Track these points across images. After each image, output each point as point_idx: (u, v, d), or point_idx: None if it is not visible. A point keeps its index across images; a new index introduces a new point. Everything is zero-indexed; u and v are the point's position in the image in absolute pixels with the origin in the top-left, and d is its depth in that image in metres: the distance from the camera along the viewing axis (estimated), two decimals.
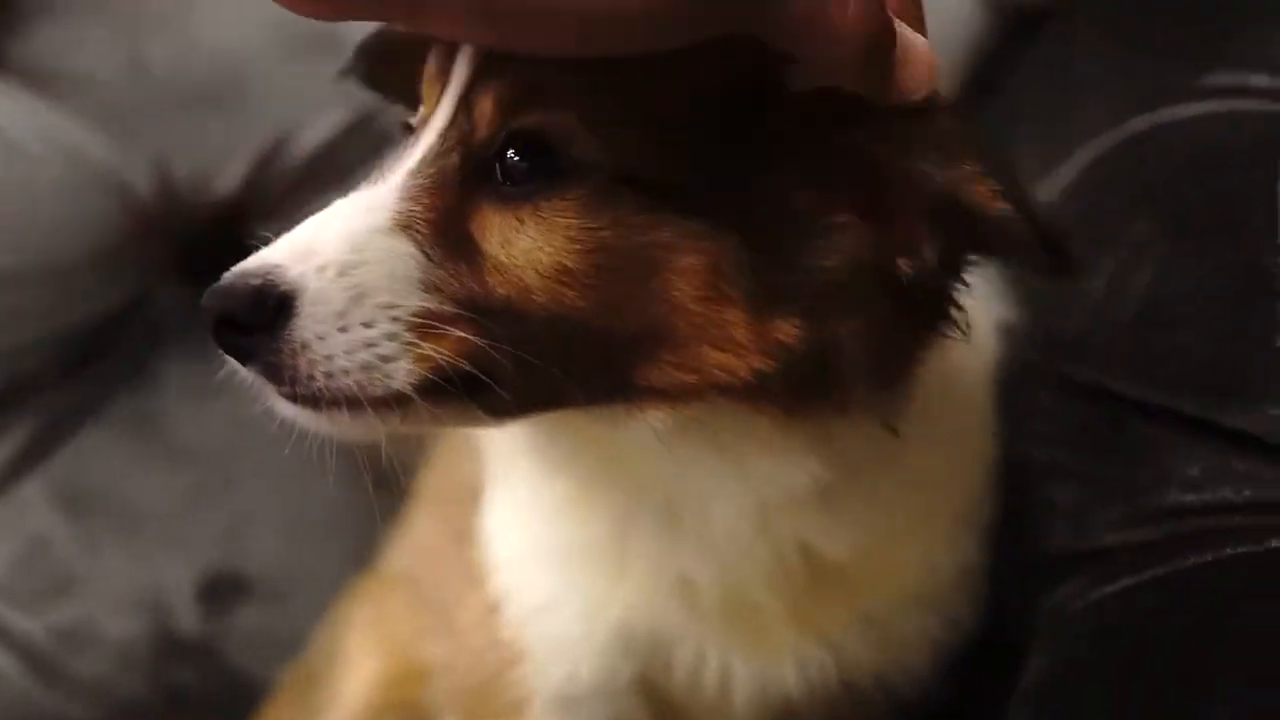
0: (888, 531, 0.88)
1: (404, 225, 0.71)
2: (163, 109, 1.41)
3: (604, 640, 0.92)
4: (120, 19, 1.42)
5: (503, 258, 0.71)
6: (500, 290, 0.71)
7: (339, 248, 0.70)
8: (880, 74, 0.69)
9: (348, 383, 0.69)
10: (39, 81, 1.39)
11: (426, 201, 0.72)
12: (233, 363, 0.72)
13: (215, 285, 0.70)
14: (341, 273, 0.69)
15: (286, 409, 0.73)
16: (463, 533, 0.98)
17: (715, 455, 0.79)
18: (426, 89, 0.77)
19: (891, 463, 0.84)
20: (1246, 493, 0.85)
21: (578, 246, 0.71)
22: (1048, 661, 0.90)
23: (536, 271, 0.71)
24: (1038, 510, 0.97)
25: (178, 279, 1.43)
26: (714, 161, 0.72)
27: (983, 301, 0.91)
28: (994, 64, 1.40)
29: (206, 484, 1.43)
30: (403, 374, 0.70)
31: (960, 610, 0.96)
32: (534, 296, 0.71)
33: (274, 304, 0.69)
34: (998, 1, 1.43)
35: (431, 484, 1.11)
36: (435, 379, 0.70)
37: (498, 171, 0.73)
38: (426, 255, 0.71)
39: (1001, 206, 0.70)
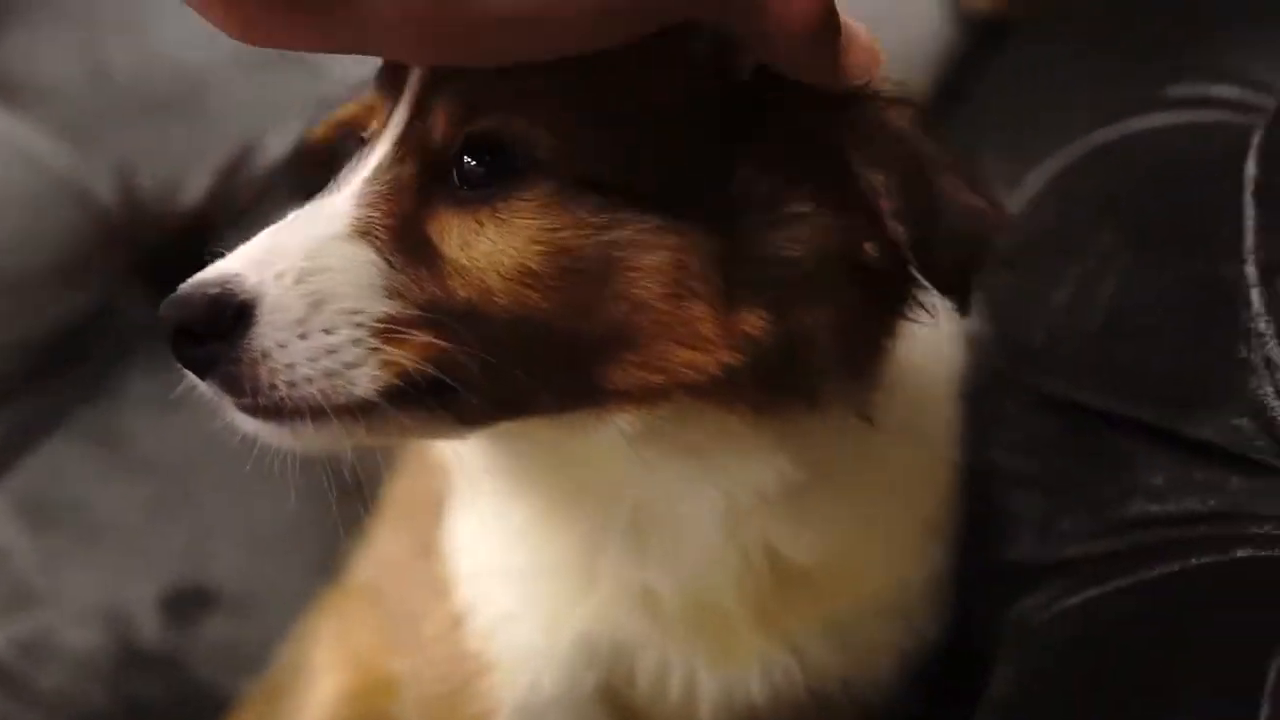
0: (853, 536, 0.87)
1: (362, 231, 0.71)
2: (126, 118, 1.40)
3: (566, 651, 0.92)
4: (82, 28, 1.42)
5: (464, 261, 0.71)
6: (462, 293, 0.70)
7: (297, 255, 0.69)
8: (828, 59, 0.70)
9: (311, 391, 0.68)
10: (0, 90, 1.39)
11: (384, 207, 0.72)
12: (191, 377, 0.71)
13: (172, 295, 0.69)
14: (300, 280, 0.69)
15: (247, 423, 0.72)
16: (427, 546, 0.98)
17: (685, 456, 0.78)
18: (380, 96, 0.77)
19: (858, 465, 0.84)
20: (1211, 502, 0.86)
21: (538, 248, 0.70)
22: (1013, 671, 0.91)
23: (498, 274, 0.70)
24: (1004, 520, 0.97)
25: (142, 289, 1.43)
26: (673, 156, 0.72)
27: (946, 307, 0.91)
28: (962, 73, 1.41)
29: (170, 496, 1.43)
30: (367, 380, 0.69)
31: (926, 618, 0.96)
32: (497, 299, 0.70)
33: (232, 312, 0.68)
34: (965, 11, 1.44)
35: (396, 497, 1.10)
36: (401, 385, 0.69)
37: (455, 176, 0.73)
38: (387, 261, 0.70)
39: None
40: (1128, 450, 0.91)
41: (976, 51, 1.43)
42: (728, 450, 0.78)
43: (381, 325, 0.69)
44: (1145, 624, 0.84)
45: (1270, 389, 0.84)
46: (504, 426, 0.75)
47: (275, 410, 0.70)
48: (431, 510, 0.98)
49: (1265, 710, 0.72)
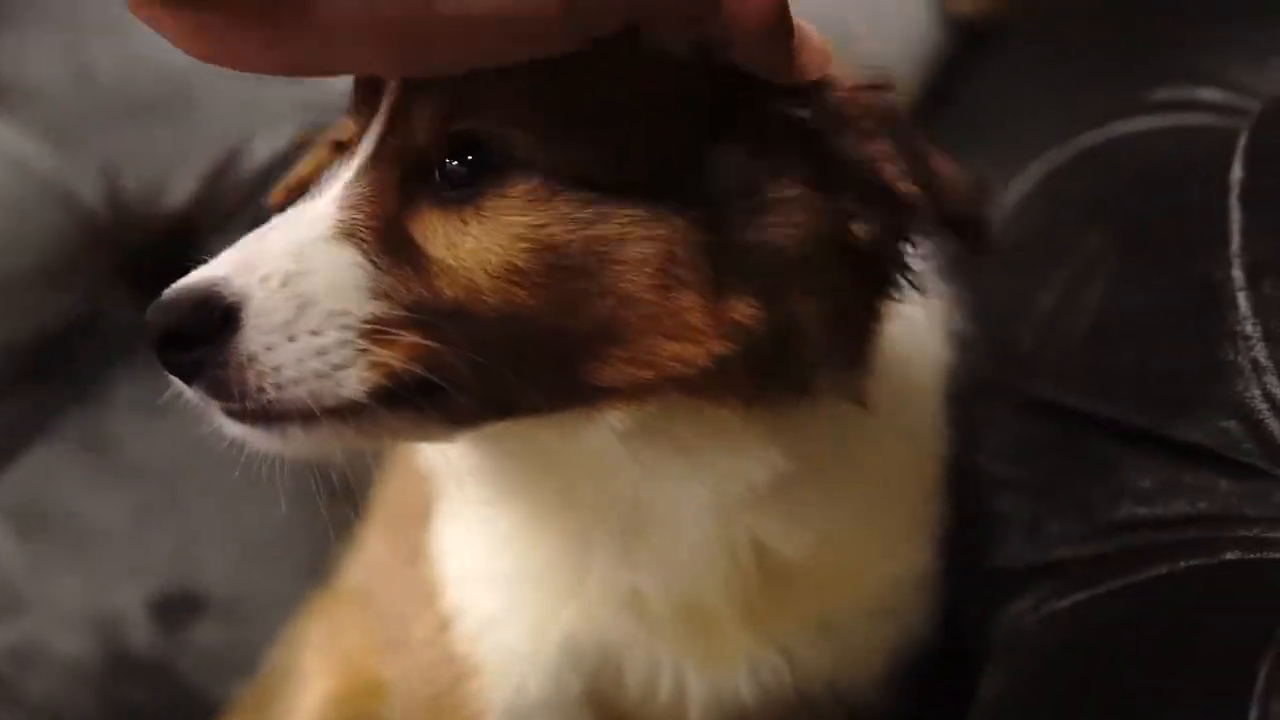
0: (842, 532, 0.87)
1: (347, 233, 0.70)
2: (110, 120, 1.40)
3: (553, 654, 0.92)
4: (67, 30, 1.41)
5: (450, 260, 0.71)
6: (449, 293, 0.70)
7: (282, 258, 0.69)
8: (782, 56, 0.71)
9: (299, 393, 0.68)
10: None
11: (368, 209, 0.71)
12: (178, 383, 0.71)
13: (157, 301, 0.69)
14: (285, 283, 0.68)
15: (234, 428, 0.71)
16: (415, 551, 0.98)
17: (677, 452, 0.78)
18: (360, 99, 0.77)
19: (846, 458, 0.84)
20: (1200, 505, 0.86)
21: (524, 244, 0.70)
22: (1003, 675, 0.91)
23: (486, 272, 0.70)
24: (992, 523, 0.97)
25: (127, 293, 1.42)
26: (656, 147, 0.72)
27: (933, 305, 0.91)
28: (948, 76, 1.41)
29: (158, 501, 1.42)
30: (355, 381, 0.68)
31: (913, 618, 0.96)
32: (485, 297, 0.70)
33: (218, 316, 0.68)
34: (951, 15, 1.44)
35: (384, 501, 1.10)
36: (389, 386, 0.69)
37: (437, 176, 0.72)
38: (372, 262, 0.70)
39: (908, 187, 0.71)
40: (1116, 453, 0.91)
41: (962, 55, 1.43)
42: (719, 444, 0.78)
43: (369, 326, 0.69)
44: (1134, 627, 0.85)
45: (1257, 391, 0.84)
46: (493, 428, 0.75)
47: (263, 414, 0.70)
48: (420, 515, 0.97)
49: (1254, 713, 0.72)
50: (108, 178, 1.39)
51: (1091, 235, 1.01)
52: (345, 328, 0.68)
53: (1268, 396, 0.84)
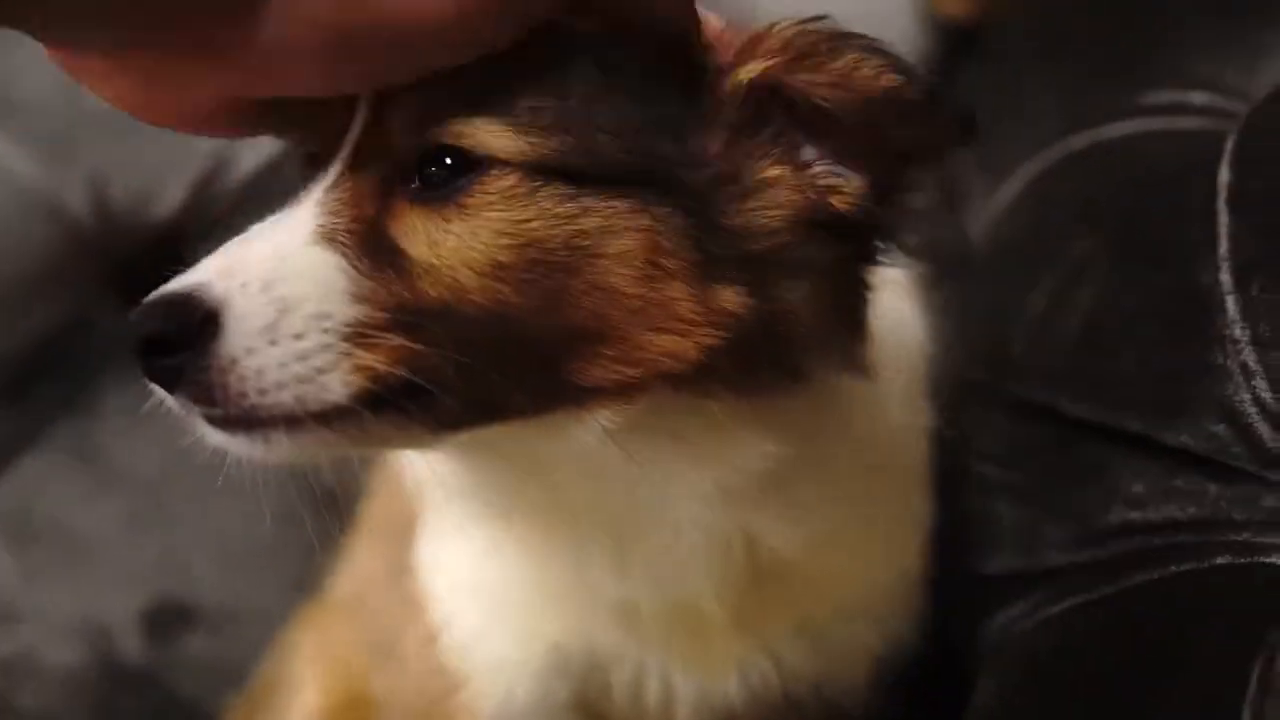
0: (831, 528, 0.86)
1: (327, 237, 0.70)
2: (98, 131, 1.39)
3: (539, 662, 0.92)
4: None
5: (432, 260, 0.70)
6: (433, 293, 0.70)
7: (262, 263, 0.69)
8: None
9: (282, 397, 0.68)
10: None
11: (347, 213, 0.71)
12: (160, 391, 0.70)
13: (139, 307, 0.68)
14: (265, 287, 0.68)
15: (216, 436, 0.71)
16: (403, 564, 0.98)
17: (669, 446, 0.77)
18: (337, 104, 0.76)
19: (835, 447, 0.83)
20: (1191, 510, 0.86)
21: (506, 240, 0.70)
22: (996, 682, 0.91)
23: (469, 269, 0.70)
24: (985, 529, 0.97)
25: (116, 303, 1.42)
26: (632, 137, 0.72)
27: (915, 297, 0.92)
28: (938, 77, 1.41)
29: (148, 512, 1.42)
30: (339, 385, 0.68)
31: (900, 622, 0.95)
32: (469, 296, 0.70)
33: (199, 320, 0.67)
34: (938, 18, 1.44)
35: (373, 513, 1.10)
36: (374, 389, 0.69)
37: (416, 178, 0.72)
38: (354, 266, 0.69)
39: (890, 78, 0.71)
40: (1108, 459, 0.91)
41: (950, 58, 1.43)
42: (712, 436, 0.77)
43: (351, 330, 0.68)
44: (1126, 632, 0.85)
45: (1247, 395, 0.84)
46: (481, 434, 0.74)
47: (245, 420, 0.69)
48: (407, 528, 0.97)
49: (1247, 716, 0.72)
50: (96, 188, 1.39)
51: (1081, 238, 1.01)
52: (327, 331, 0.68)
53: (1257, 400, 0.84)
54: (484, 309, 0.70)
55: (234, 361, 0.67)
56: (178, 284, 0.69)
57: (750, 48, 0.73)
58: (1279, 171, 0.91)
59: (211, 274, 0.69)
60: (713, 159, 0.73)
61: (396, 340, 0.68)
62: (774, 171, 0.73)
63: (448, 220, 0.71)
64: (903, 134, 0.74)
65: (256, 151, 1.42)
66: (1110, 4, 1.28)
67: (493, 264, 0.70)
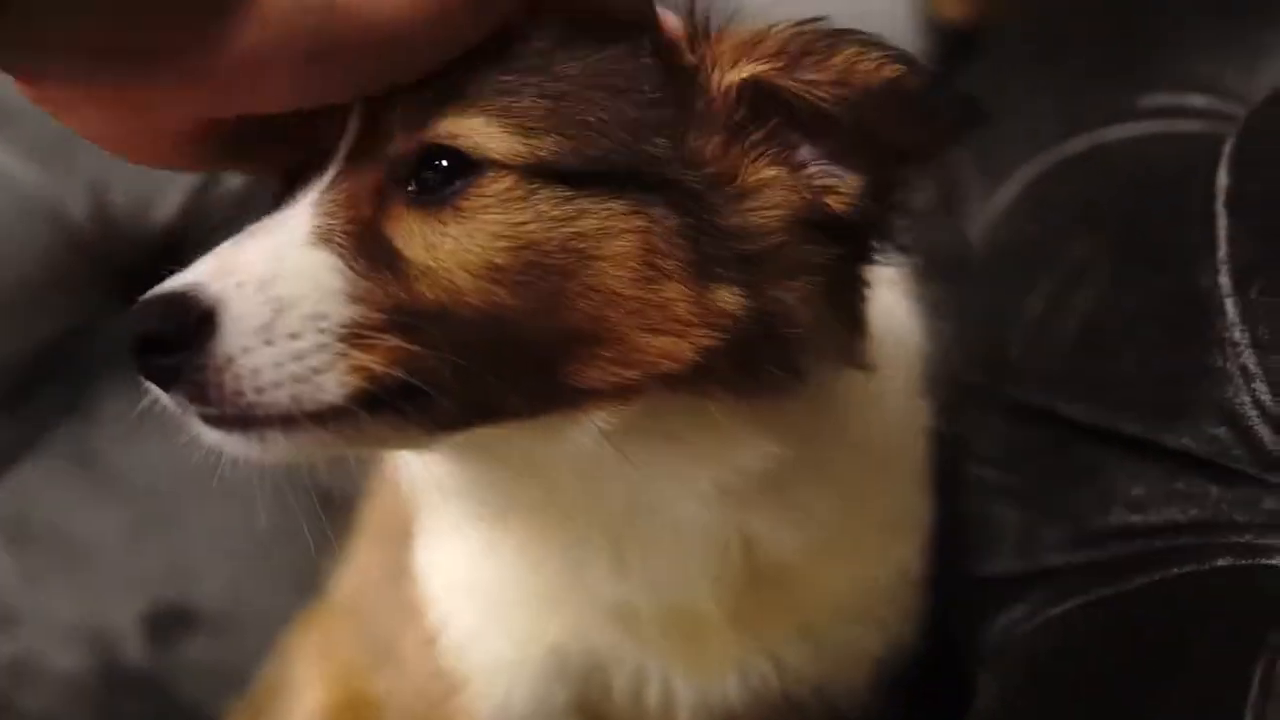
0: (829, 528, 0.86)
1: (323, 238, 0.70)
2: None
3: (538, 665, 0.92)
4: None
5: (429, 262, 0.71)
6: (429, 295, 0.70)
7: (258, 263, 0.69)
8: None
9: (278, 397, 0.68)
10: None
11: (344, 215, 0.71)
12: (156, 390, 0.70)
13: (135, 306, 0.68)
14: (261, 287, 0.68)
15: (212, 435, 0.71)
16: (401, 568, 0.98)
17: (667, 447, 0.78)
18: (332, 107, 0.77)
19: (833, 446, 0.84)
20: (1191, 512, 0.86)
21: (503, 243, 0.70)
22: (997, 685, 0.91)
23: (466, 272, 0.70)
24: (984, 531, 0.97)
25: (116, 308, 1.42)
26: (627, 137, 0.72)
27: (911, 296, 0.92)
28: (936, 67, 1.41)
29: (149, 516, 1.42)
30: (335, 385, 0.68)
31: (899, 624, 0.96)
32: (465, 299, 0.70)
33: (195, 319, 0.67)
34: (935, 21, 1.44)
35: (372, 516, 1.10)
36: (370, 389, 0.69)
37: (413, 180, 0.72)
38: (350, 267, 0.70)
39: (891, 68, 0.71)
40: (1107, 461, 0.91)
41: (948, 61, 1.43)
42: (711, 436, 0.77)
43: (347, 330, 0.68)
44: (1127, 634, 0.85)
45: (1247, 398, 0.84)
46: (478, 436, 0.75)
47: (242, 420, 0.69)
48: (405, 531, 0.97)
49: (1249, 719, 0.73)
50: (95, 194, 1.39)
51: (1080, 241, 1.01)
52: (323, 331, 0.68)
53: (1257, 403, 0.84)
54: (480, 311, 0.70)
55: (230, 360, 0.67)
56: (174, 283, 0.69)
57: (747, 49, 0.74)
58: (1278, 174, 0.91)
59: (208, 273, 0.69)
60: (709, 160, 0.73)
61: (393, 341, 0.69)
62: (770, 172, 0.74)
63: (444, 223, 0.71)
64: (904, 128, 0.74)
65: None
66: (1108, 6, 1.28)
67: (489, 267, 0.70)
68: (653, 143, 0.72)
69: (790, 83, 0.72)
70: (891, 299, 0.88)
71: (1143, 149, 1.06)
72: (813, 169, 0.74)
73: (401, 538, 0.98)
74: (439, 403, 0.70)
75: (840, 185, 0.74)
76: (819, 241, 0.75)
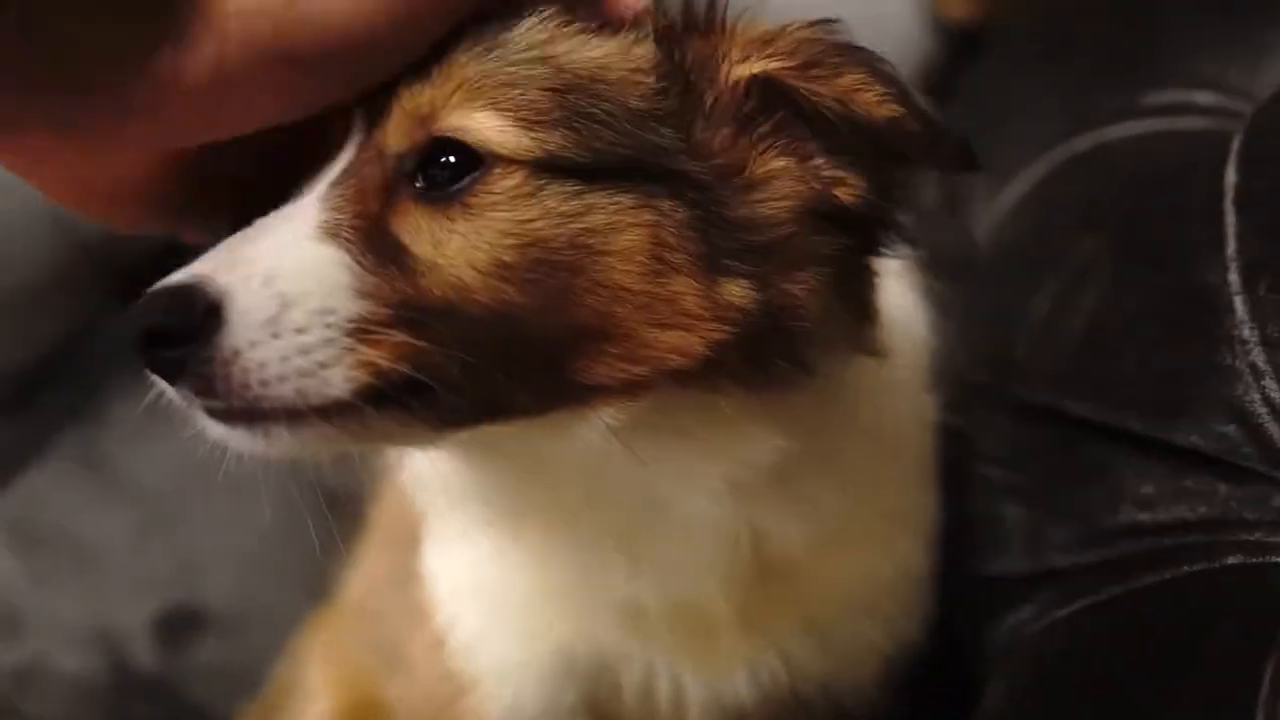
0: (837, 523, 0.86)
1: (331, 233, 0.70)
2: None
3: (546, 666, 0.92)
4: None
5: (436, 259, 0.70)
6: (437, 291, 0.70)
7: (265, 257, 0.69)
8: None
9: (284, 391, 0.68)
10: None
11: (351, 209, 0.71)
12: (161, 383, 0.70)
13: (141, 298, 0.68)
14: (268, 281, 0.68)
15: (217, 430, 0.70)
16: (409, 571, 0.98)
17: (676, 443, 0.77)
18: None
19: (840, 439, 0.83)
20: (1200, 510, 0.86)
21: (511, 240, 0.70)
22: (1005, 684, 0.91)
23: (473, 269, 0.70)
24: (992, 530, 0.97)
25: (120, 311, 1.41)
26: (633, 129, 0.72)
27: (917, 290, 0.92)
28: (940, 82, 1.41)
29: (158, 519, 1.42)
30: (341, 380, 0.68)
31: (906, 621, 0.95)
32: (473, 295, 0.70)
33: (202, 312, 0.67)
34: (941, 21, 1.44)
35: (379, 520, 1.10)
36: (377, 385, 0.69)
37: (420, 176, 0.72)
38: (358, 262, 0.70)
39: (890, 109, 0.72)
40: (1115, 460, 0.91)
41: (954, 60, 1.43)
42: (720, 430, 0.77)
43: (354, 325, 0.68)
44: (1137, 633, 0.85)
45: (1256, 396, 0.84)
46: (484, 433, 0.74)
47: (247, 413, 0.69)
48: (414, 533, 0.97)
49: (1260, 717, 0.72)
50: None
51: (1086, 240, 1.01)
52: (330, 326, 0.68)
53: (1266, 400, 0.84)
54: (488, 308, 0.70)
55: (236, 354, 0.67)
56: (180, 276, 0.69)
57: (761, 45, 0.74)
58: None
59: (214, 266, 0.68)
60: (717, 151, 0.73)
61: (400, 337, 0.68)
62: (779, 163, 0.74)
63: (452, 220, 0.71)
64: (898, 157, 0.75)
65: None
66: (1112, 5, 1.28)
67: (497, 264, 0.70)
68: (659, 133, 0.72)
69: (799, 84, 0.73)
70: (898, 291, 0.88)
71: (1147, 147, 1.06)
72: (820, 161, 0.74)
73: (409, 541, 0.98)
74: (445, 399, 0.70)
75: (848, 177, 0.74)
76: (827, 232, 0.75)
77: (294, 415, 0.69)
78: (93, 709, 1.36)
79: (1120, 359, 0.94)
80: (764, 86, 0.73)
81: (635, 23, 0.75)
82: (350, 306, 0.68)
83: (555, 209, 0.71)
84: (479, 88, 0.71)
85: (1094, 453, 0.93)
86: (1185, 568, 0.84)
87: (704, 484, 0.79)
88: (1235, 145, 0.93)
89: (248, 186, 0.73)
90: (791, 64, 0.73)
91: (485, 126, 0.71)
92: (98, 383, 1.44)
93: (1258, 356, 0.85)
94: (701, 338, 0.72)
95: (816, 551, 0.86)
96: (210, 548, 1.41)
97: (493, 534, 0.88)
